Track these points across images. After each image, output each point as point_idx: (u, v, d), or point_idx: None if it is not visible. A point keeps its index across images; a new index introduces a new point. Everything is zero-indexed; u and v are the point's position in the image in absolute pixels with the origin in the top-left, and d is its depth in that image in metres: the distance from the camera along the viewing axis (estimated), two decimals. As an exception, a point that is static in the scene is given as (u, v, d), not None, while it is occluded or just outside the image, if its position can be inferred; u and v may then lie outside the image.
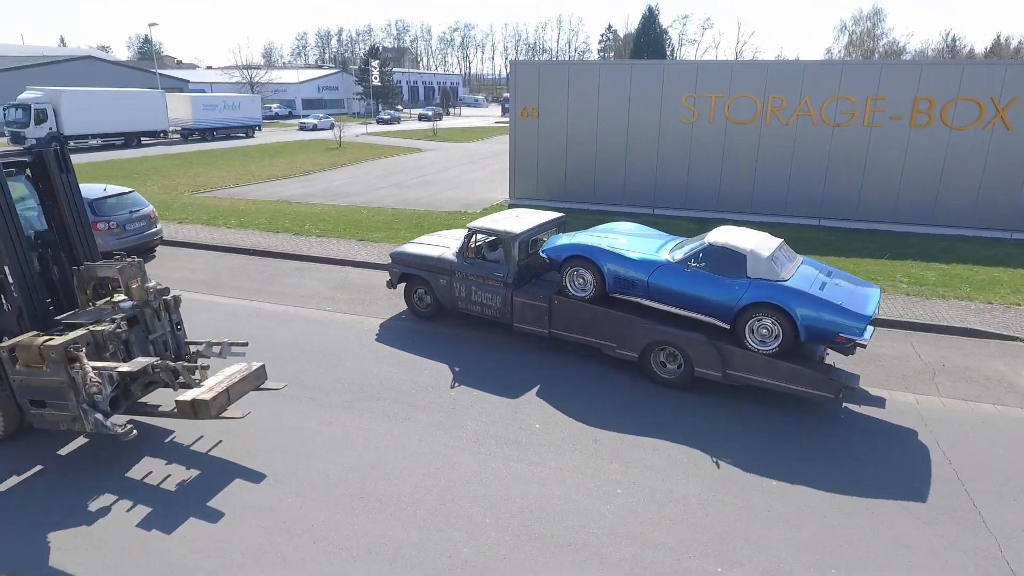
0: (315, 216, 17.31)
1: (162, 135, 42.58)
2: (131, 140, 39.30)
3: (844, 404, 7.49)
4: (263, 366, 6.88)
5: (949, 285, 11.48)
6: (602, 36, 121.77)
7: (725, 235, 8.12)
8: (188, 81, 67.68)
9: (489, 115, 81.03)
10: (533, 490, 6.02)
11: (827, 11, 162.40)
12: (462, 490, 6.02)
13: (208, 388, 6.27)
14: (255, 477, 6.23)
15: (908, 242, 14.95)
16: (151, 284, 6.98)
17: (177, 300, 7.26)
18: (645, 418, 7.35)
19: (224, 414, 6.31)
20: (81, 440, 6.81)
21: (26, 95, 35.32)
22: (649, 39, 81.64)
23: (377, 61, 75.39)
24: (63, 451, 6.65)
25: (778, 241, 8.20)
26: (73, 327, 6.41)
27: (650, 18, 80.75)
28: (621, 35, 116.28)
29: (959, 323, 9.82)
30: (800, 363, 7.38)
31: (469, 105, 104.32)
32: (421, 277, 10.10)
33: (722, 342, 7.69)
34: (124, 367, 6.12)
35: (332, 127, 49.30)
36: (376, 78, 71.78)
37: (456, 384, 8.11)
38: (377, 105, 78.96)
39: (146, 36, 73.90)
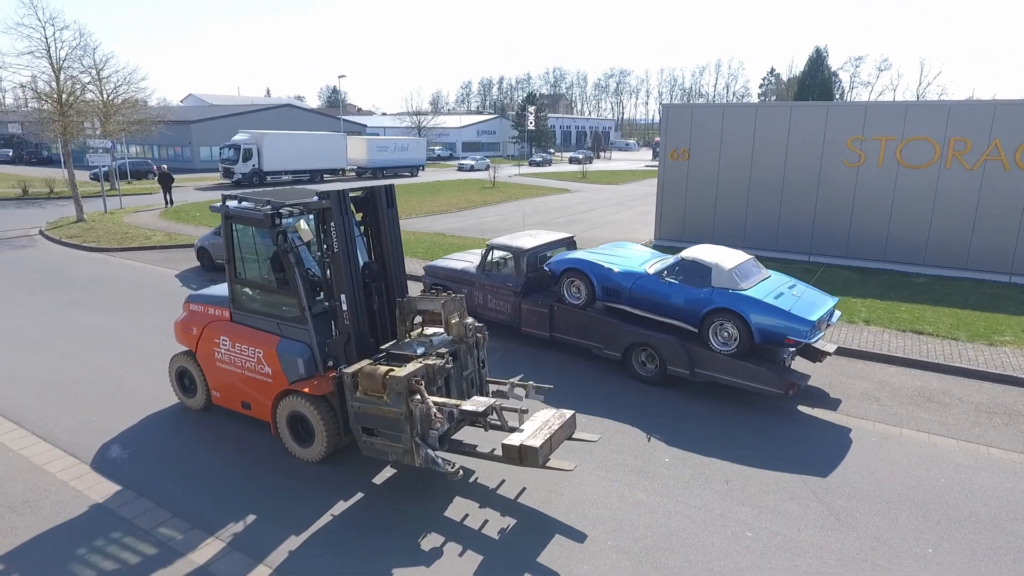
0: (467, 247, 18.46)
1: (341, 173, 47.59)
2: (315, 176, 44.35)
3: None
4: (574, 415, 6.45)
5: None
6: (763, 80, 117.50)
7: (697, 251, 9.38)
8: (365, 126, 75.27)
9: (640, 159, 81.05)
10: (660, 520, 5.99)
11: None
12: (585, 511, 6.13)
13: (532, 434, 5.91)
14: (576, 536, 5.80)
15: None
16: (469, 320, 6.95)
17: (486, 337, 7.21)
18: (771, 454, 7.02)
19: (549, 464, 5.92)
20: (389, 471, 6.83)
21: (237, 137, 41.39)
22: (816, 82, 77.55)
23: (533, 107, 78.74)
24: (376, 479, 6.69)
25: (747, 257, 9.32)
26: (399, 358, 6.45)
27: (817, 60, 76.90)
28: (784, 78, 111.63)
29: None
30: (756, 363, 8.33)
31: (620, 149, 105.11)
32: (448, 287, 11.34)
33: (691, 344, 8.77)
34: (467, 405, 6.07)
35: (487, 168, 52.12)
36: (531, 123, 74.93)
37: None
38: (530, 148, 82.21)
39: (334, 87, 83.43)
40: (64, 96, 24.12)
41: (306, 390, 6.67)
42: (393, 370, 5.97)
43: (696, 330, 8.84)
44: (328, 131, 52.65)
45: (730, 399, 8.73)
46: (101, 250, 18.73)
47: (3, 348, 10.50)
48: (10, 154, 59.00)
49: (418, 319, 7.31)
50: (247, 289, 7.41)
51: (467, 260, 11.94)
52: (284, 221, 6.44)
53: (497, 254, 11.14)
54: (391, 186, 7.20)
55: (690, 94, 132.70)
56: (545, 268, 10.61)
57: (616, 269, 9.66)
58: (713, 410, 8.44)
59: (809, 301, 8.65)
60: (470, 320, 7.01)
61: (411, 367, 6.06)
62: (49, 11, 23.59)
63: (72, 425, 7.82)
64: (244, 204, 7.04)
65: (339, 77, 63.34)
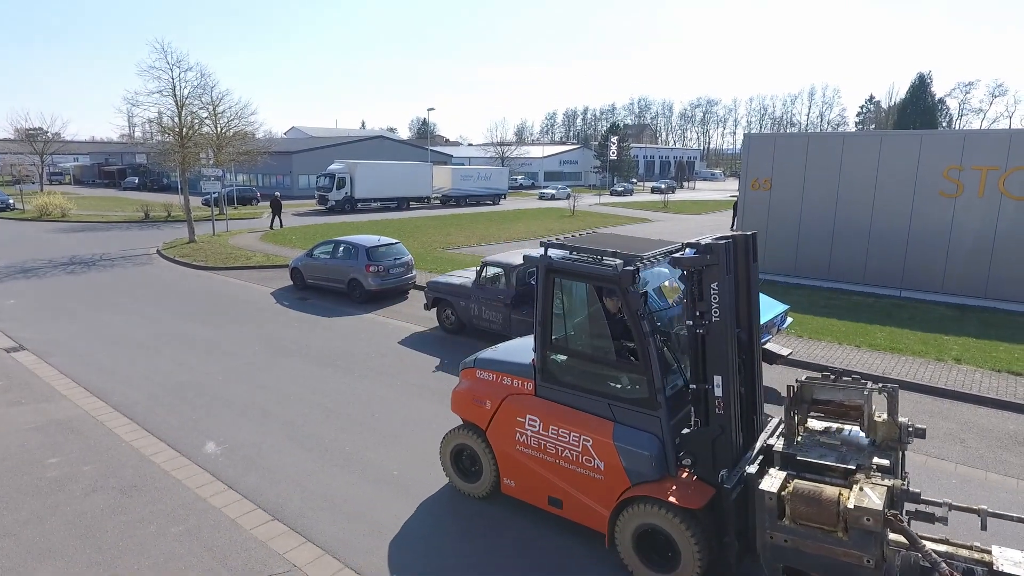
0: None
1: (426, 200, 49.53)
2: (402, 204, 46.42)
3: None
4: None
5: None
6: (861, 108, 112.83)
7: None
8: (451, 156, 78.04)
9: (725, 189, 79.25)
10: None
11: None
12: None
13: None
14: None
15: None
16: (904, 419, 5.12)
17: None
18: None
19: None
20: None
21: (332, 167, 44.12)
22: (918, 109, 73.77)
23: (615, 137, 79.07)
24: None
25: None
26: (802, 466, 4.93)
27: (920, 86, 73.15)
28: (884, 106, 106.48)
29: None
30: None
31: (705, 179, 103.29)
32: (448, 300, 12.88)
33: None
34: (1005, 566, 4.35)
35: (568, 197, 52.70)
36: (613, 153, 75.22)
37: None
38: (612, 178, 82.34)
39: (424, 119, 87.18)
40: (184, 130, 26.77)
41: (672, 499, 5.14)
42: (847, 493, 4.39)
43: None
44: (416, 161, 55.04)
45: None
46: (208, 268, 20.51)
47: (123, 352, 11.77)
48: (136, 181, 65.40)
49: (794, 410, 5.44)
50: (566, 358, 6.09)
51: (465, 276, 13.37)
52: (642, 279, 5.37)
53: (491, 270, 12.39)
54: (755, 235, 5.69)
55: (781, 123, 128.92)
56: (532, 282, 11.42)
57: None
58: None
59: (764, 308, 9.09)
60: (905, 419, 5.10)
61: (876, 492, 4.34)
62: (176, 55, 26.13)
63: (177, 423, 8.70)
64: (577, 255, 5.80)
65: (428, 110, 66.69)
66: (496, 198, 54.38)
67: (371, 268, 15.60)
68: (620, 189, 69.26)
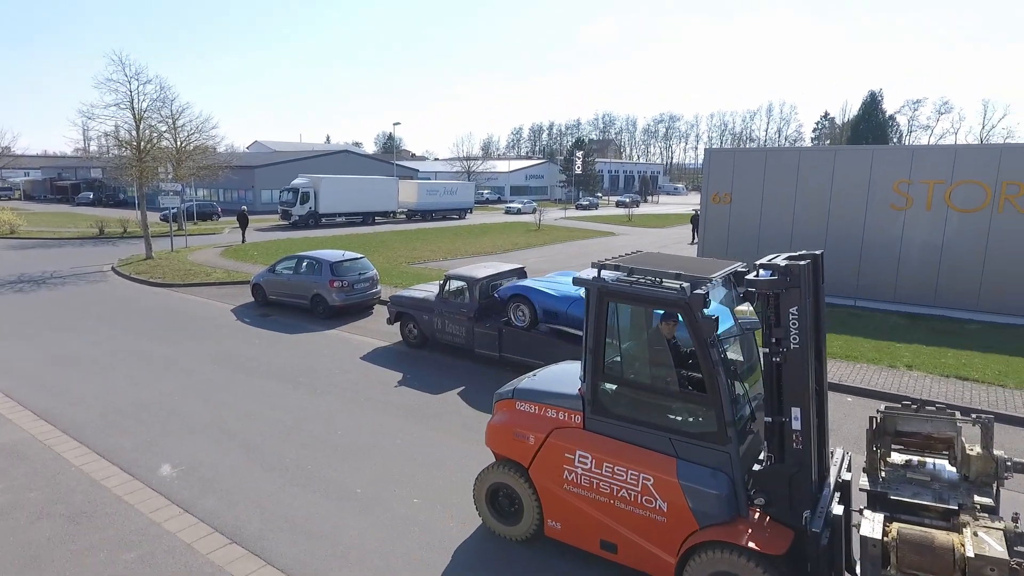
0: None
1: (392, 215, 49.26)
2: (368, 219, 46.05)
3: None
4: None
5: None
6: (817, 124, 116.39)
7: None
8: (417, 170, 77.89)
9: (688, 203, 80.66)
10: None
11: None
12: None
13: None
14: None
15: None
16: (999, 452, 4.79)
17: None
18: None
19: None
20: None
21: (297, 181, 43.58)
22: (870, 126, 76.63)
23: (581, 152, 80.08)
24: None
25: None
26: (893, 505, 4.66)
27: (872, 104, 76.06)
28: (839, 122, 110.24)
29: None
30: None
31: (668, 193, 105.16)
32: (411, 314, 12.88)
33: None
34: None
35: (534, 211, 52.96)
36: (579, 167, 76.11)
37: None
38: (578, 192, 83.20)
39: (390, 134, 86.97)
40: (143, 143, 26.16)
41: (751, 544, 4.66)
42: (959, 539, 4.10)
43: None
44: (382, 175, 54.76)
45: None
46: (166, 285, 19.97)
47: (74, 372, 11.34)
48: (91, 196, 63.51)
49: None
50: (619, 388, 5.62)
51: (428, 290, 13.41)
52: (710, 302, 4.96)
53: (454, 284, 12.42)
54: (822, 254, 5.24)
55: (740, 138, 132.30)
56: (495, 295, 11.96)
57: (554, 293, 10.96)
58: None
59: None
60: (1000, 452, 4.77)
61: (994, 537, 4.06)
62: (135, 67, 25.55)
63: (130, 445, 8.40)
64: (635, 278, 5.30)
65: (394, 124, 66.29)
66: (462, 212, 54.41)
67: (335, 283, 15.41)
68: (586, 203, 69.98)
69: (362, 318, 15.77)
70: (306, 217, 41.72)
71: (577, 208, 67.51)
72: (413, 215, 50.53)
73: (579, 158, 79.64)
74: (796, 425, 4.71)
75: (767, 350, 4.80)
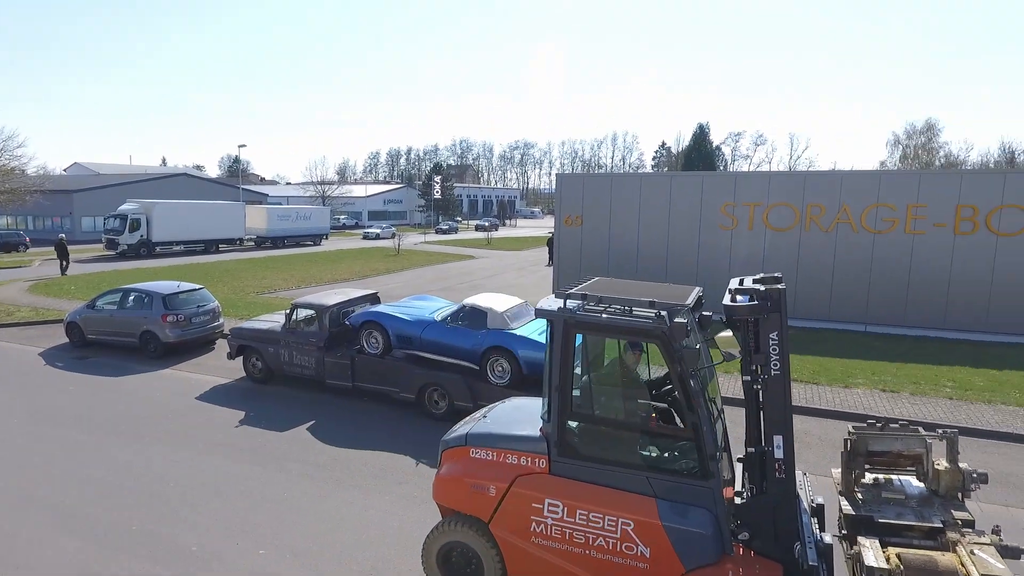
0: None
1: (238, 242, 46.07)
2: (210, 246, 42.67)
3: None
4: None
5: (998, 391, 10.96)
6: (656, 152, 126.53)
7: (477, 298, 10.87)
8: (267, 195, 73.87)
9: (544, 226, 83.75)
10: None
11: (881, 125, 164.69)
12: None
13: None
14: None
15: (958, 348, 14.40)
16: (964, 465, 4.96)
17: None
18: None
19: None
20: None
21: (124, 207, 39.40)
22: (701, 155, 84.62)
23: (439, 176, 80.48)
24: None
25: (519, 301, 10.88)
26: (876, 527, 4.64)
27: (700, 135, 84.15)
28: (674, 151, 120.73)
29: (1005, 428, 9.33)
30: (525, 391, 9.20)
31: (526, 217, 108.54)
32: (255, 347, 12.13)
33: (473, 380, 10.03)
34: None
35: (393, 236, 52.18)
36: (437, 192, 76.35)
37: None
38: (437, 216, 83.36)
39: (236, 157, 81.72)
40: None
41: None
42: (955, 558, 4.20)
43: (477, 367, 10.12)
44: (227, 200, 51.14)
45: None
46: (-47, 329, 16.93)
47: None
48: None
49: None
50: (588, 427, 5.26)
51: (274, 320, 12.68)
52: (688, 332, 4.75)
53: (302, 312, 11.85)
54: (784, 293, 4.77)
55: (589, 165, 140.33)
56: (347, 322, 11.46)
57: (407, 318, 10.81)
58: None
59: None
60: (965, 464, 4.96)
61: (988, 553, 4.21)
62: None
63: None
64: (603, 307, 4.98)
65: (239, 146, 61.96)
66: (317, 238, 52.19)
67: (168, 318, 13.93)
68: (445, 227, 70.21)
69: (202, 354, 14.39)
70: (137, 246, 37.77)
71: (437, 232, 67.51)
72: (263, 242, 47.59)
73: (438, 183, 79.86)
74: (779, 454, 4.54)
75: (747, 378, 4.67)
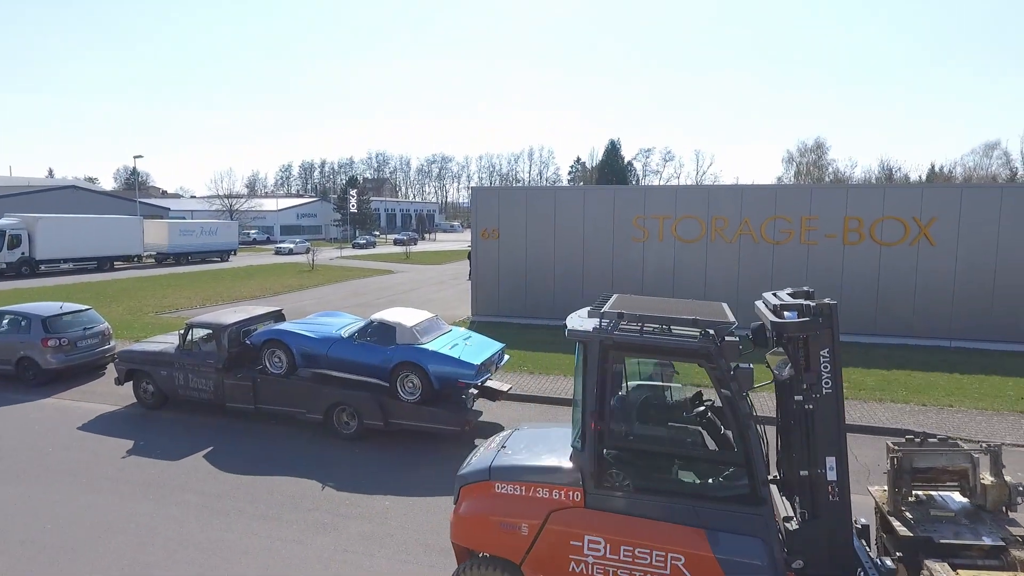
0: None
1: (136, 259, 43.12)
2: (104, 264, 39.69)
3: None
4: None
5: (887, 389, 11.80)
6: (571, 168, 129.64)
7: (385, 313, 10.59)
8: (169, 209, 69.73)
9: (463, 240, 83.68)
10: None
11: (778, 142, 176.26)
12: None
13: None
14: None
15: (850, 350, 15.40)
16: (1009, 478, 4.84)
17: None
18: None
19: None
20: None
21: (2, 221, 35.98)
22: (613, 170, 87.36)
23: (355, 190, 78.86)
24: None
25: (429, 315, 10.72)
26: (937, 549, 4.44)
27: (612, 151, 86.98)
28: (588, 166, 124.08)
29: (894, 424, 10.02)
30: (437, 407, 9.51)
31: (445, 231, 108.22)
32: (145, 371, 11.31)
33: (384, 397, 9.71)
34: None
35: (307, 251, 50.49)
36: (353, 206, 74.74)
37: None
38: (354, 231, 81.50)
39: (133, 168, 76.58)
40: None
41: None
42: None
43: (387, 384, 9.83)
44: (123, 215, 47.80)
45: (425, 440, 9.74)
46: None
47: None
48: None
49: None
50: (625, 454, 4.89)
51: (167, 341, 11.86)
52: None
53: (198, 332, 11.14)
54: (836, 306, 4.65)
55: (507, 179, 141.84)
56: (247, 342, 10.86)
57: (312, 336, 10.36)
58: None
59: (477, 348, 10.16)
60: (1009, 478, 4.83)
61: None
62: None
63: None
64: (641, 326, 4.61)
65: (135, 157, 57.65)
66: (224, 254, 49.65)
67: (50, 342, 12.71)
68: (363, 242, 68.77)
69: (91, 380, 13.23)
70: (17, 264, 34.54)
71: (354, 247, 65.97)
72: (164, 259, 44.76)
73: (353, 196, 78.27)
74: (832, 476, 4.35)
75: (799, 397, 4.45)
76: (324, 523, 7.26)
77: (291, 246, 56.40)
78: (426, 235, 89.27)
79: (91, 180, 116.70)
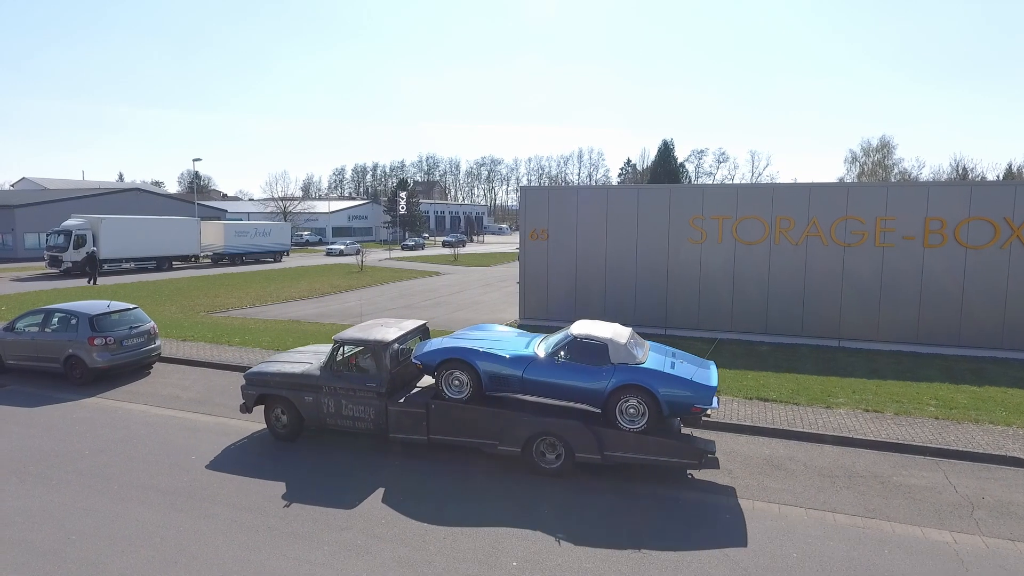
0: (320, 334, 17.15)
1: (193, 259, 44.27)
2: (163, 263, 40.85)
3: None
4: None
5: (982, 409, 10.51)
6: (621, 169, 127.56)
7: (585, 327, 8.91)
8: (226, 211, 71.68)
9: (511, 242, 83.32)
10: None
11: (839, 143, 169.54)
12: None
13: None
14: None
15: (933, 363, 14.04)
16: None
17: None
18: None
19: None
20: None
21: (69, 222, 37.44)
22: (666, 171, 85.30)
23: (405, 192, 79.51)
24: None
25: (628, 330, 9.07)
26: None
27: (665, 151, 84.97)
28: (640, 168, 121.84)
29: (997, 450, 8.81)
30: (664, 435, 8.16)
31: (493, 233, 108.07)
32: (282, 396, 9.67)
33: (597, 426, 8.27)
34: None
35: (357, 252, 50.87)
36: (403, 208, 75.30)
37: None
38: (403, 233, 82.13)
39: (195, 171, 79.26)
40: None
41: None
42: None
43: (599, 411, 8.38)
44: (184, 216, 49.24)
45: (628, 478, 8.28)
46: None
47: None
48: None
49: None
50: None
51: (304, 361, 10.07)
52: None
53: (349, 350, 9.54)
54: None
55: (556, 181, 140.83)
56: (414, 361, 9.16)
57: (505, 355, 8.69)
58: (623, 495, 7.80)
59: (700, 368, 8.65)
60: None
61: None
62: None
63: None
64: None
65: (195, 160, 59.71)
66: (278, 255, 50.59)
67: (97, 341, 12.69)
68: (411, 244, 69.15)
69: (136, 380, 13.16)
70: (82, 264, 35.80)
71: (403, 249, 66.39)
72: (220, 259, 45.85)
73: (403, 198, 78.91)
74: None
75: None
76: (357, 545, 6.68)
77: (342, 247, 57.06)
78: (474, 237, 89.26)
79: (157, 184, 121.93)
